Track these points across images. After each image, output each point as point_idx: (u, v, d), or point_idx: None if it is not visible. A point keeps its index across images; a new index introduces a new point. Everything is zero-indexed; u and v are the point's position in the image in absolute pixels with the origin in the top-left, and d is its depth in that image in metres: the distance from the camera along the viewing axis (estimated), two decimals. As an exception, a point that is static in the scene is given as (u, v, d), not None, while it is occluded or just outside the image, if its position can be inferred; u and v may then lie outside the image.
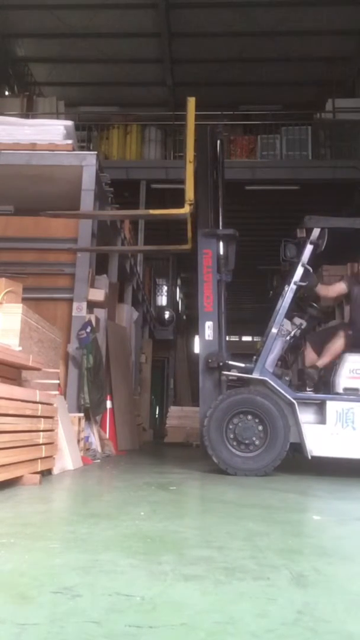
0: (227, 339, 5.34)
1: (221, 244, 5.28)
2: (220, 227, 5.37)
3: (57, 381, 4.78)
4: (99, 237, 6.78)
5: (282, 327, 4.82)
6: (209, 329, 5.10)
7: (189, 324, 17.85)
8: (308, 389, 4.67)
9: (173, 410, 12.15)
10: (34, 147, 6.61)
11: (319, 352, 4.84)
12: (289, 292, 4.74)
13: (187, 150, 5.73)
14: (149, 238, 11.88)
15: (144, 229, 11.89)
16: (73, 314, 6.14)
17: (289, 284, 4.76)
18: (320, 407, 4.55)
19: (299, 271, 4.74)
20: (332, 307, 9.66)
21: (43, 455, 3.68)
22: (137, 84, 14.00)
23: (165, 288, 16.66)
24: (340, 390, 4.54)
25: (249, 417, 4.50)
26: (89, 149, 10.59)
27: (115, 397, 7.04)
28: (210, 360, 4.95)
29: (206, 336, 5.10)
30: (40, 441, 3.65)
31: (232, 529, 2.27)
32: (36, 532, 2.09)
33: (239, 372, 4.84)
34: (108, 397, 6.66)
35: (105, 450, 6.05)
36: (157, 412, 17.07)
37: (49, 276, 6.51)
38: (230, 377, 4.93)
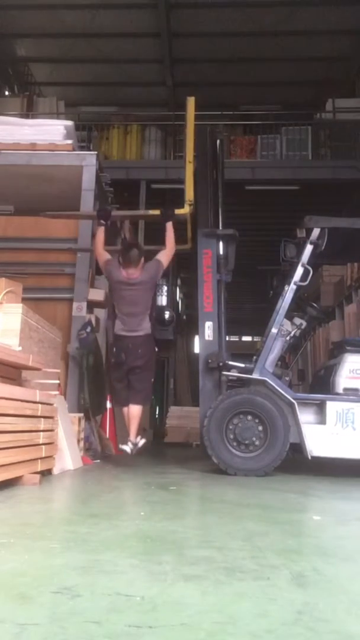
0: (227, 339, 5.34)
1: (221, 244, 5.28)
2: (220, 227, 5.37)
3: (57, 381, 4.78)
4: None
5: (282, 327, 4.82)
6: (209, 329, 5.10)
7: (189, 324, 17.82)
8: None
9: (173, 410, 12.15)
10: (34, 147, 6.61)
11: None
12: (289, 292, 4.75)
13: (187, 150, 5.73)
14: (149, 238, 11.87)
15: (144, 229, 11.89)
16: (73, 314, 6.14)
17: (289, 284, 4.76)
18: (320, 408, 4.55)
19: (299, 271, 4.74)
20: (332, 307, 9.66)
21: (43, 455, 3.68)
22: (137, 84, 14.00)
23: (165, 288, 16.64)
24: (340, 391, 4.54)
25: (249, 417, 4.50)
26: (89, 149, 10.55)
27: (115, 397, 7.02)
28: (210, 361, 4.96)
29: (206, 336, 5.10)
30: (40, 441, 3.65)
31: (232, 529, 2.27)
32: (36, 532, 2.09)
33: (239, 373, 4.84)
34: (108, 397, 6.65)
35: (105, 450, 6.05)
36: (157, 412, 17.06)
37: (49, 276, 6.51)
38: (230, 378, 4.93)
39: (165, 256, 5.12)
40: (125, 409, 5.10)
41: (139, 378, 5.02)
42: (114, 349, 5.05)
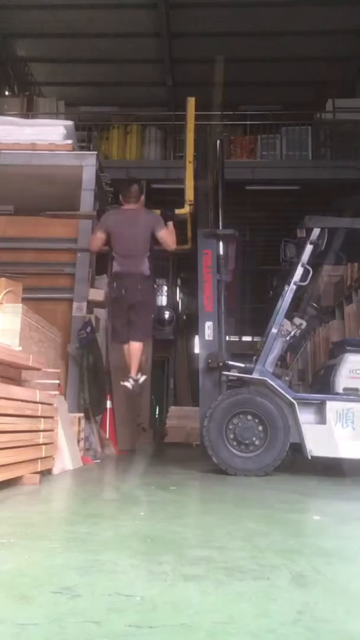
0: (227, 339, 5.35)
1: (221, 244, 5.28)
2: (220, 227, 5.37)
3: (57, 381, 4.77)
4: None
5: (282, 327, 4.82)
6: (209, 329, 5.11)
7: (189, 324, 17.82)
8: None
9: (173, 410, 12.15)
10: (34, 147, 6.60)
11: None
12: (289, 292, 4.75)
13: (187, 150, 5.75)
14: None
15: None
16: (73, 314, 6.13)
17: (288, 284, 4.76)
18: (320, 407, 4.55)
19: (299, 271, 4.74)
20: (332, 307, 9.65)
21: (43, 455, 3.68)
22: (137, 84, 13.99)
23: (165, 288, 16.63)
24: (340, 390, 4.54)
25: (249, 417, 4.49)
26: (89, 149, 10.55)
27: (115, 397, 7.03)
28: (210, 360, 4.96)
29: (206, 336, 5.11)
30: (40, 441, 3.65)
31: (232, 529, 2.27)
32: (36, 532, 2.09)
33: (239, 372, 4.84)
34: (108, 397, 6.65)
35: (105, 450, 6.05)
36: (157, 412, 17.05)
37: (49, 276, 6.50)
38: (230, 377, 4.93)
39: (166, 233, 5.18)
40: (125, 346, 5.19)
41: (139, 314, 5.12)
42: (114, 285, 5.13)
